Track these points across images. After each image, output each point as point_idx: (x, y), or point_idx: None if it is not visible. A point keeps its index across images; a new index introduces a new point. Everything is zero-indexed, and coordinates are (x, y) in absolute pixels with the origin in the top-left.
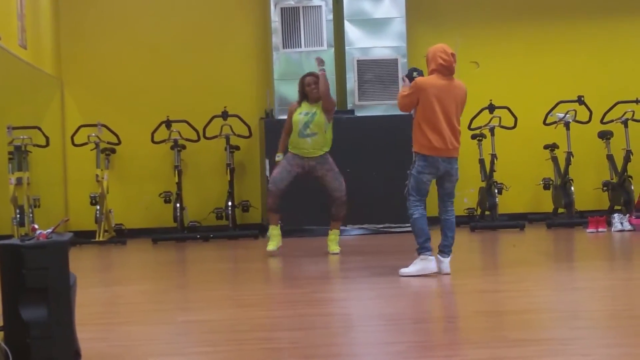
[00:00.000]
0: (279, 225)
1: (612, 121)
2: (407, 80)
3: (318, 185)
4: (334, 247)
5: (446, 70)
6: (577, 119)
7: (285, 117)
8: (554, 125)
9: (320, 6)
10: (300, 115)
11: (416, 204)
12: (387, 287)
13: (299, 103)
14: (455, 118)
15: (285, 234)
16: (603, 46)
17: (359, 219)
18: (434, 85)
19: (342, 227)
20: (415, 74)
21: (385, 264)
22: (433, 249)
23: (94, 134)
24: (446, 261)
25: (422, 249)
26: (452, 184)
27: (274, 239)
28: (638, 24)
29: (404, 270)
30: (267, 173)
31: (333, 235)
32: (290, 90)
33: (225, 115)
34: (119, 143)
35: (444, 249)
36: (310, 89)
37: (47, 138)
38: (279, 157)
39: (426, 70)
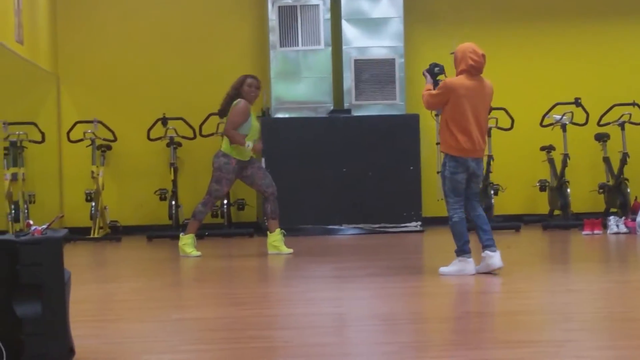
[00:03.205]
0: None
1: (608, 123)
2: (428, 75)
3: (246, 183)
4: (285, 247)
5: (476, 70)
6: (573, 121)
7: (282, 115)
8: (551, 127)
9: (317, 5)
10: (256, 120)
11: (455, 206)
12: (382, 287)
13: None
14: (483, 118)
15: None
16: (601, 48)
17: (354, 218)
18: (463, 86)
19: (337, 227)
20: (437, 69)
21: (380, 264)
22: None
23: (89, 130)
24: (496, 255)
25: (461, 251)
26: (478, 184)
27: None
28: (636, 27)
29: (443, 270)
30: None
31: (280, 235)
32: (287, 89)
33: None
34: (115, 140)
35: (490, 243)
36: (250, 90)
37: (42, 134)
38: (250, 145)
39: (448, 66)
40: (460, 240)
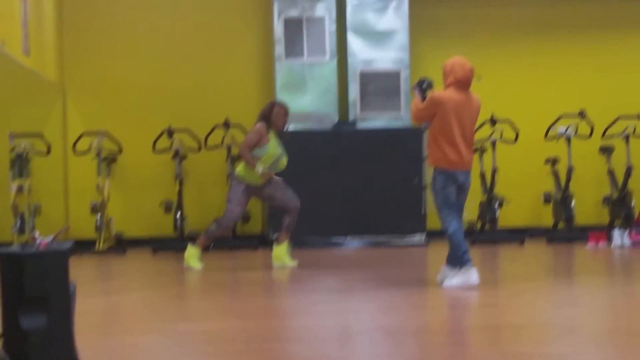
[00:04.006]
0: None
1: (613, 136)
2: (417, 89)
3: (268, 202)
4: (290, 260)
5: (463, 84)
6: (578, 133)
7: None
8: (556, 139)
9: (323, 17)
10: (276, 148)
11: (449, 218)
12: (386, 299)
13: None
14: (470, 131)
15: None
16: (605, 61)
17: (359, 231)
18: (451, 100)
19: (341, 239)
20: (425, 83)
21: (385, 277)
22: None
23: (95, 142)
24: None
25: (463, 262)
26: (465, 196)
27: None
28: None
29: (447, 283)
30: None
31: (286, 248)
32: (292, 101)
33: (227, 125)
34: (121, 151)
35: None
36: (278, 117)
37: (48, 145)
38: (261, 168)
39: (438, 80)
40: (459, 251)
